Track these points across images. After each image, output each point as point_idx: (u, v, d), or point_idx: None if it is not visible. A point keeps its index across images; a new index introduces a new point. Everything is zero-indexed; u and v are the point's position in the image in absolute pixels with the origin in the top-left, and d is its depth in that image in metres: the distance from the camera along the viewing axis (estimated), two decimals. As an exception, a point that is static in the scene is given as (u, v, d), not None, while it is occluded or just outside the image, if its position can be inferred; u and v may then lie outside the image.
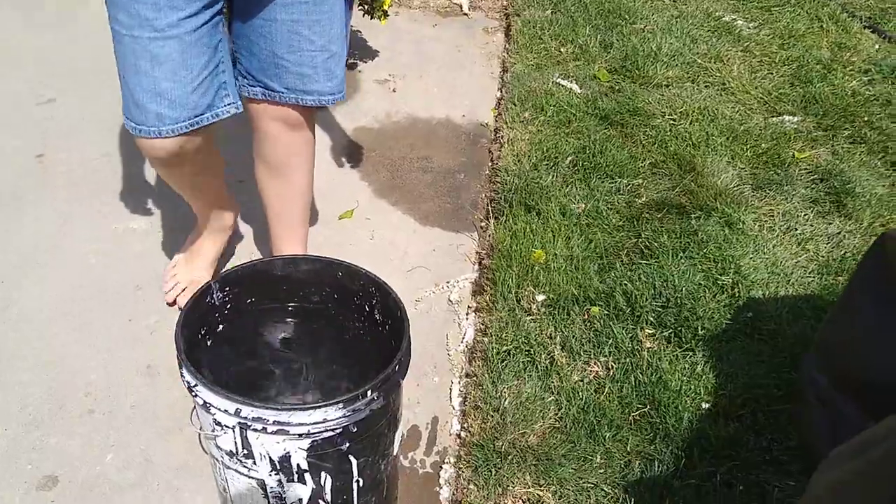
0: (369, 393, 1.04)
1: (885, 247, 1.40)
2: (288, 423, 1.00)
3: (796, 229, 1.99)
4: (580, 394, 1.56)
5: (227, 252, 1.85)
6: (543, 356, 1.64)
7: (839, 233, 1.98)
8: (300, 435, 1.02)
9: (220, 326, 1.23)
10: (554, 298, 1.77)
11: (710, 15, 2.86)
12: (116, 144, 2.17)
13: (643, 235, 1.94)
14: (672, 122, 2.33)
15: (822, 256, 1.92)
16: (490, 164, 2.26)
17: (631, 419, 1.53)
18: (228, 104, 1.36)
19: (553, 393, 1.57)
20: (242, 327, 1.27)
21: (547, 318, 1.73)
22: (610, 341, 1.68)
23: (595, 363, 1.64)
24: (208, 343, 1.22)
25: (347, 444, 1.06)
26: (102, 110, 2.27)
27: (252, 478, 1.09)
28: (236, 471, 1.10)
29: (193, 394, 1.04)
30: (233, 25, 1.39)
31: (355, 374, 1.35)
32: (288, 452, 1.04)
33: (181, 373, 1.06)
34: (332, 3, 1.34)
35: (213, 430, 1.05)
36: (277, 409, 1.00)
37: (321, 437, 1.03)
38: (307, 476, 1.08)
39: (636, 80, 2.51)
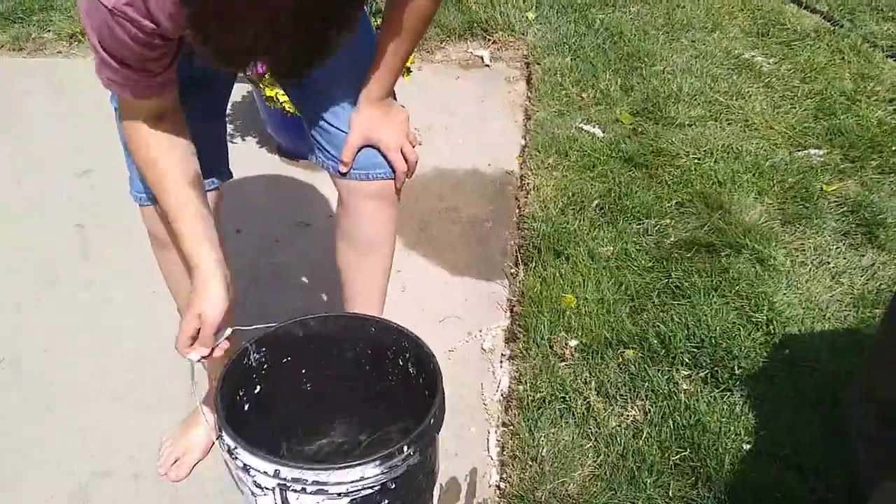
0: (406, 449, 1.05)
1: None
2: (326, 483, 1.01)
3: (829, 263, 1.97)
4: (618, 439, 1.55)
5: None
6: (580, 402, 1.63)
7: (873, 265, 1.96)
8: (339, 494, 1.02)
9: (258, 387, 1.25)
10: (587, 343, 1.77)
11: (730, 53, 2.88)
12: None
13: (673, 275, 1.93)
14: (697, 160, 2.33)
15: (857, 289, 1.90)
16: (517, 211, 2.28)
17: (671, 463, 1.51)
18: (224, 174, 1.40)
19: (591, 439, 1.56)
20: (280, 386, 1.29)
21: (581, 364, 1.72)
22: (646, 384, 1.67)
23: (632, 407, 1.63)
24: (246, 405, 1.23)
25: (387, 501, 1.06)
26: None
27: None
28: None
29: (233, 456, 1.06)
30: (300, 106, 1.39)
31: (392, 428, 1.36)
32: None
33: (220, 436, 1.08)
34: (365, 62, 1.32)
35: (253, 492, 1.06)
36: (315, 469, 1.01)
37: (360, 494, 1.04)
38: None
39: (658, 121, 2.52)
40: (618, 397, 1.65)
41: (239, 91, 2.62)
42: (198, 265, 1.17)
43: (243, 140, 2.55)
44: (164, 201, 1.20)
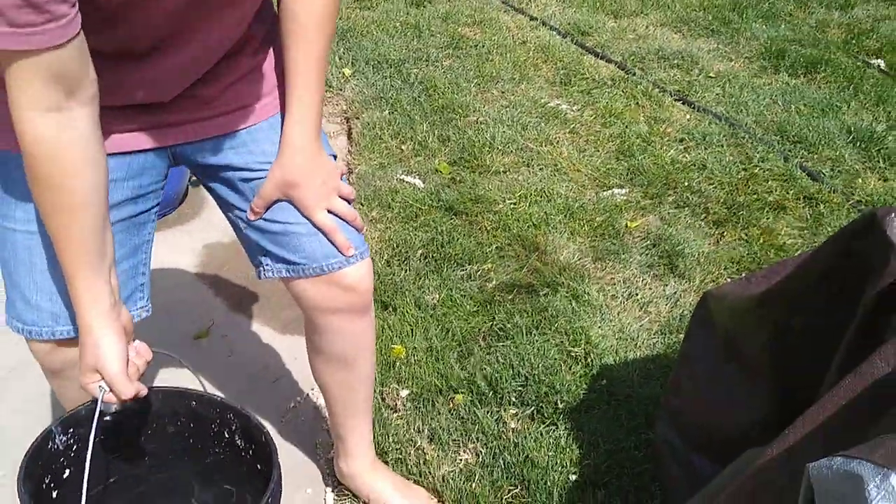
0: None
1: (707, 305, 1.52)
2: None
3: (637, 294, 2.12)
4: (452, 483, 1.58)
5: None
6: (412, 452, 1.65)
7: (675, 293, 2.12)
8: None
9: (67, 471, 1.18)
10: (418, 392, 1.80)
11: (537, 102, 3.05)
12: None
13: (497, 318, 2.01)
14: (512, 205, 2.45)
15: (664, 317, 2.04)
16: (344, 265, 2.29)
17: (504, 502, 1.56)
18: (140, 307, 1.23)
19: (425, 487, 1.58)
20: (93, 469, 1.22)
21: (413, 413, 1.75)
22: (476, 427, 1.71)
23: (464, 451, 1.67)
24: (54, 494, 1.16)
25: None
26: None
27: None
28: None
29: None
30: (226, 204, 1.27)
31: (224, 502, 1.32)
32: None
33: None
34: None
35: None
36: None
37: None
38: None
39: (475, 169, 2.63)
40: (450, 442, 1.68)
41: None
42: (89, 325, 1.05)
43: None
44: (58, 229, 1.00)
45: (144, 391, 1.11)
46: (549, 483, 1.58)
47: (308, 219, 1.19)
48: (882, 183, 2.57)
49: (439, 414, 1.74)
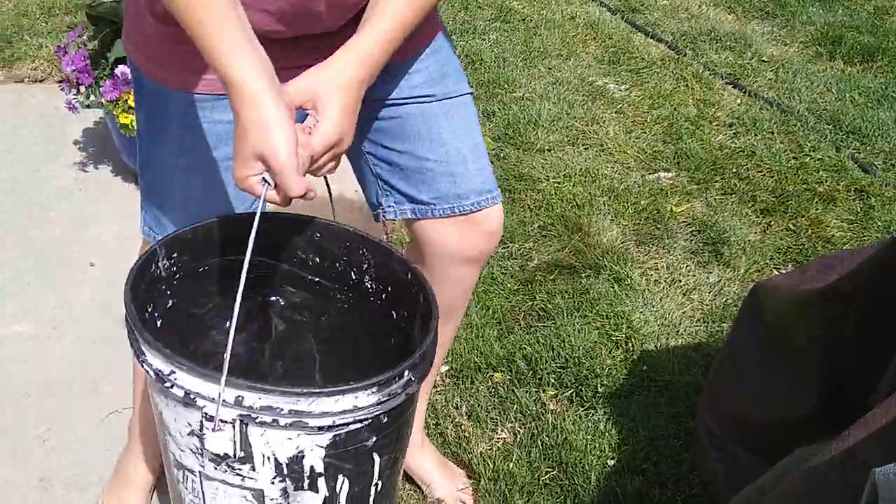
0: (406, 374, 0.86)
1: (758, 296, 1.50)
2: (307, 414, 0.81)
3: (680, 281, 2.09)
4: (489, 462, 1.58)
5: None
6: (451, 428, 1.66)
7: (719, 281, 2.09)
8: (320, 428, 0.83)
9: (170, 302, 1.02)
10: (457, 368, 1.80)
11: (584, 80, 3.01)
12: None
13: (538, 298, 1.99)
14: (556, 185, 2.42)
15: (707, 305, 2.02)
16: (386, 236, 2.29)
17: (541, 483, 1.56)
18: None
19: (462, 465, 1.58)
20: (195, 304, 1.06)
21: (452, 389, 1.75)
22: (514, 406, 1.71)
23: (502, 430, 1.67)
24: (158, 324, 1.01)
25: (374, 439, 0.88)
26: None
27: (247, 488, 0.88)
28: (223, 481, 0.88)
29: (168, 383, 0.83)
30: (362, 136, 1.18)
31: (334, 363, 1.15)
32: (301, 452, 0.85)
33: (142, 356, 0.85)
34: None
35: (195, 431, 0.84)
36: (295, 395, 0.80)
37: (345, 430, 0.84)
38: (321, 482, 0.89)
39: (520, 146, 2.60)
40: (488, 420, 1.68)
41: (90, 118, 2.51)
42: (253, 96, 0.86)
43: (96, 168, 2.44)
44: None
45: (314, 191, 0.91)
46: (586, 467, 1.57)
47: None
48: (937, 178, 2.51)
49: (478, 391, 1.74)
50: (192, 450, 0.87)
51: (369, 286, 1.04)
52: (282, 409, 0.80)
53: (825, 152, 2.60)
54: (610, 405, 1.71)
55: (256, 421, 0.81)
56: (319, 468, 0.86)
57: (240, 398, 0.80)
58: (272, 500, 0.88)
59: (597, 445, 1.62)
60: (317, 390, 0.80)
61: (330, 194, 1.07)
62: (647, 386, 1.77)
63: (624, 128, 2.75)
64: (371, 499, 0.95)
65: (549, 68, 3.09)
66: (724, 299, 2.03)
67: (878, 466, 0.85)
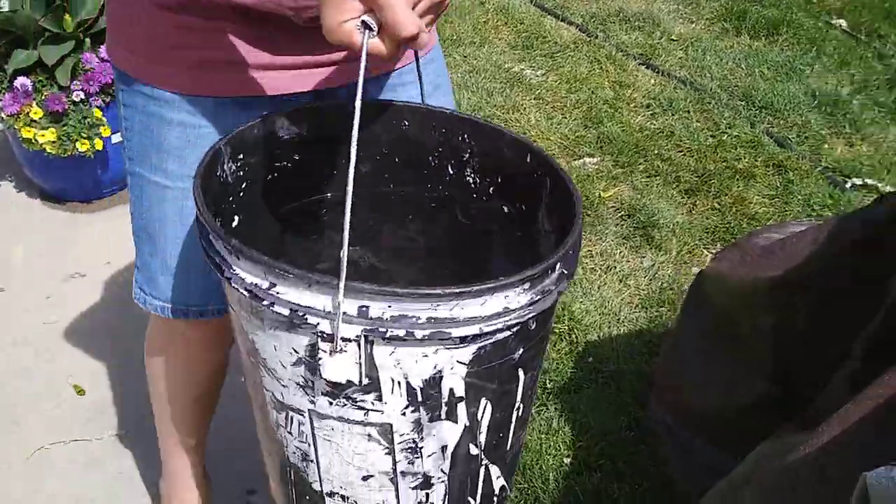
0: (558, 266, 0.71)
1: (702, 284, 1.50)
2: (449, 322, 0.65)
3: (615, 267, 2.09)
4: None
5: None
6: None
7: (653, 265, 2.10)
8: (462, 339, 0.68)
9: (236, 218, 0.88)
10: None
11: (500, 67, 2.98)
12: None
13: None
14: (484, 176, 2.39)
15: (643, 290, 2.03)
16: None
17: (499, 488, 1.53)
18: None
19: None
20: (265, 213, 0.91)
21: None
22: (465, 411, 1.67)
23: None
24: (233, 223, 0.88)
25: (521, 351, 0.73)
26: None
27: (371, 424, 0.71)
28: (341, 418, 0.72)
29: (267, 300, 0.67)
30: None
31: (429, 270, 0.98)
32: (439, 372, 0.69)
33: (230, 270, 0.69)
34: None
35: (303, 358, 0.69)
36: (434, 298, 0.64)
37: (491, 340, 0.70)
38: (460, 408, 0.73)
39: (443, 138, 2.56)
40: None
41: (-15, 133, 2.34)
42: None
43: (-4, 187, 2.28)
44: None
45: (429, 36, 0.75)
46: (543, 467, 1.55)
47: None
48: (848, 149, 2.59)
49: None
50: (298, 384, 0.71)
51: (471, 180, 0.89)
52: (418, 319, 0.64)
53: (741, 129, 2.66)
54: (560, 401, 1.70)
55: (385, 336, 0.65)
56: (460, 391, 0.71)
57: (364, 308, 0.64)
58: (402, 435, 0.72)
59: (552, 444, 1.60)
60: (460, 289, 0.64)
61: (419, 69, 0.88)
62: (594, 378, 1.76)
63: (545, 114, 2.74)
64: (512, 427, 0.80)
65: (465, 56, 3.05)
66: (660, 283, 2.05)
67: (854, 462, 0.85)
